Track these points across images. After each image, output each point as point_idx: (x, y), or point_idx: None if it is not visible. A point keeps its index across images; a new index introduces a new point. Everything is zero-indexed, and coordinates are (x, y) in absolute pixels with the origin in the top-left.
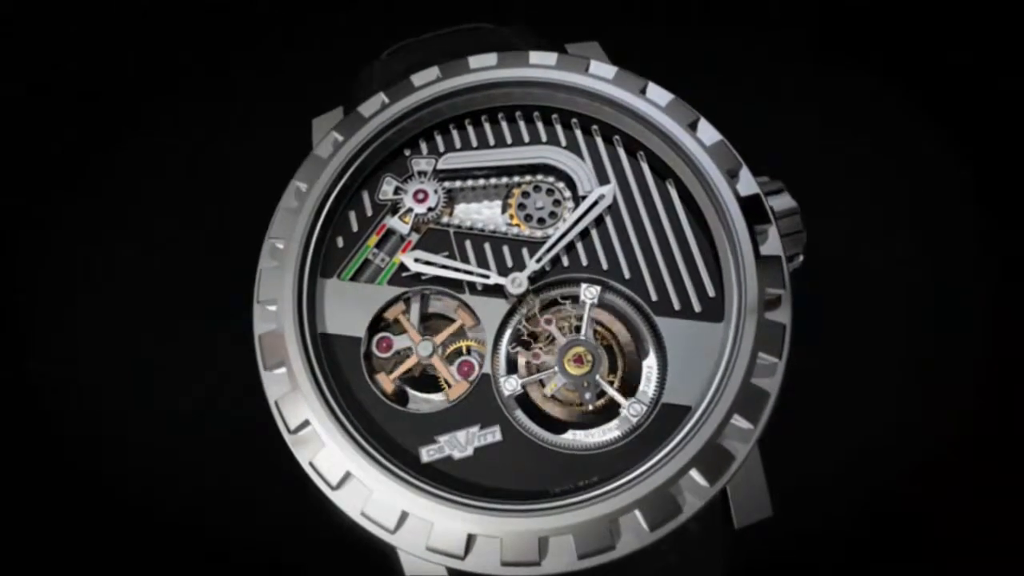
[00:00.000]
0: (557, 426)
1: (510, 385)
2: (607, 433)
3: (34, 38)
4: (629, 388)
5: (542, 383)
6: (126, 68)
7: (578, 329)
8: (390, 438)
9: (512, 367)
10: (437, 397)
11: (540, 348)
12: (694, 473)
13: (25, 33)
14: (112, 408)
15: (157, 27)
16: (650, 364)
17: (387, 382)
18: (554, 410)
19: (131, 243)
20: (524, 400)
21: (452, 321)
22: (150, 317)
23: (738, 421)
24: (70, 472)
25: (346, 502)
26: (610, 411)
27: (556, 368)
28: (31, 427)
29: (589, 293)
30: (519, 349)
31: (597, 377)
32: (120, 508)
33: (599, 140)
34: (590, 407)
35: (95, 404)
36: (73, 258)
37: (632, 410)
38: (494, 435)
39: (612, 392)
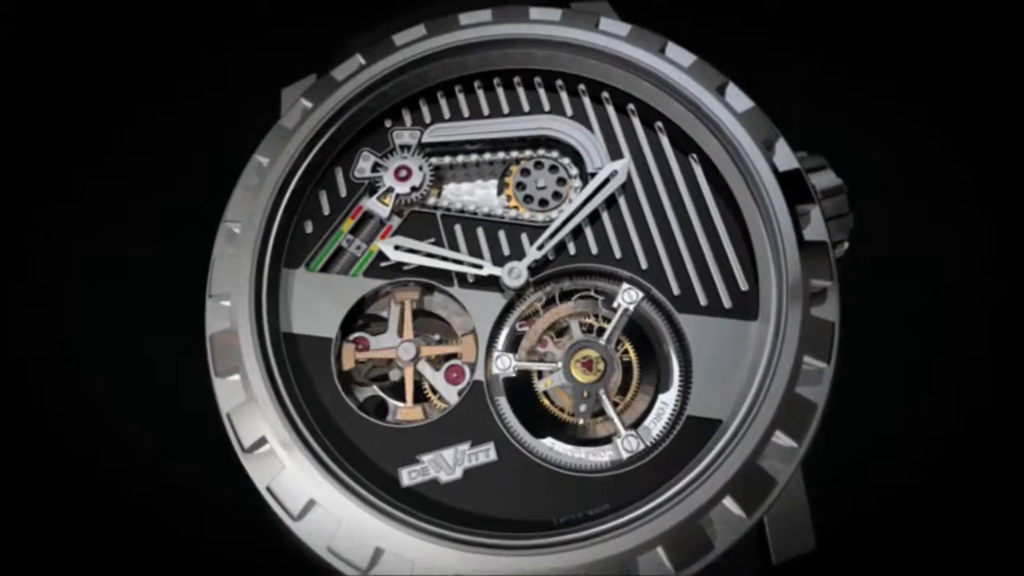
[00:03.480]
0: (540, 428)
1: (502, 363)
2: (615, 454)
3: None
4: (634, 419)
5: (539, 375)
6: (123, 65)
7: (601, 332)
8: (364, 458)
9: (513, 348)
10: (421, 409)
11: (550, 335)
12: (728, 501)
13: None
14: (110, 407)
15: (155, 24)
16: (666, 400)
17: (362, 391)
18: (544, 409)
19: (129, 241)
20: (513, 387)
21: (439, 319)
22: (149, 315)
23: (779, 438)
24: (68, 471)
25: (310, 535)
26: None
27: (560, 365)
28: (28, 426)
29: (627, 297)
30: (527, 328)
31: (602, 392)
32: (119, 508)
33: (611, 109)
34: (580, 421)
35: (93, 403)
36: (72, 256)
37: (626, 443)
38: (488, 454)
39: (613, 415)
